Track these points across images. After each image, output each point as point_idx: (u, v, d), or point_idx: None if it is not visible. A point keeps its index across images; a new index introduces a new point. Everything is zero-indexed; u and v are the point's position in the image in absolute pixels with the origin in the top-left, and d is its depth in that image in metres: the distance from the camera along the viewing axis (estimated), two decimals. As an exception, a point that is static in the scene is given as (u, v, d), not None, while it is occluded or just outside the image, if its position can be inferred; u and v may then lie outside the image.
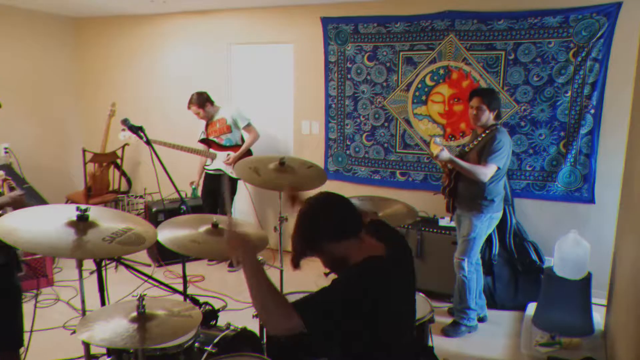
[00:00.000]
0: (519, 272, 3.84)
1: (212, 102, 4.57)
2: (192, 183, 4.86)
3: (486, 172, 3.17)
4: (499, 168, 3.21)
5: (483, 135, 3.30)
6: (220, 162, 4.55)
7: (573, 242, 3.15)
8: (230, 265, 4.74)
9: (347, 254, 1.62)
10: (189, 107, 4.53)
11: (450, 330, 3.49)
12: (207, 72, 5.17)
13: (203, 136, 4.63)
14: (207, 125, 4.61)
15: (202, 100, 4.50)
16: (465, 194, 3.35)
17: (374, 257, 1.60)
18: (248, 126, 4.58)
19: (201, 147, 4.57)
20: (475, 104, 3.27)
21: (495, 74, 4.02)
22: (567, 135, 3.89)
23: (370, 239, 1.68)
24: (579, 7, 3.69)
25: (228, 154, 4.54)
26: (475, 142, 3.34)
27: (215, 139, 4.57)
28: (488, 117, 3.27)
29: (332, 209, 1.66)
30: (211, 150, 4.56)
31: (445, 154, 3.13)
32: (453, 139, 4.28)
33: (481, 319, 3.62)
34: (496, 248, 3.80)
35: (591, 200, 3.88)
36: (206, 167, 4.65)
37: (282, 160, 2.91)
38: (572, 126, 3.86)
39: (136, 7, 5.07)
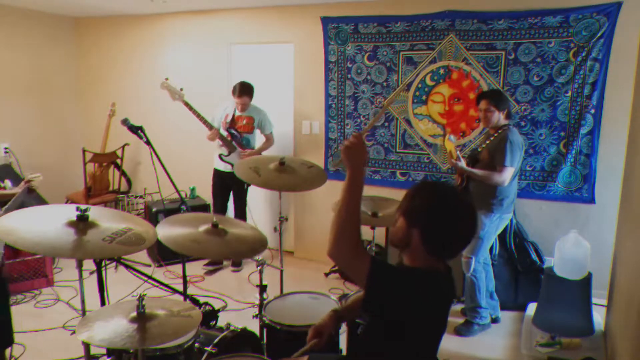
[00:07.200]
0: (519, 272, 3.84)
1: None
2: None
3: (504, 177, 3.25)
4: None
5: (495, 135, 3.37)
6: (235, 158, 4.42)
7: (573, 242, 3.15)
8: (234, 264, 4.73)
9: (419, 252, 1.54)
10: (240, 96, 4.33)
11: (464, 330, 3.51)
12: (207, 72, 5.16)
13: (225, 119, 4.45)
14: (232, 118, 4.48)
15: (253, 93, 4.42)
16: (477, 193, 3.41)
17: (438, 270, 1.56)
18: (270, 133, 4.58)
19: (225, 134, 4.46)
20: (484, 107, 3.36)
21: (496, 73, 4.02)
22: (567, 135, 3.88)
23: None
24: (579, 7, 3.68)
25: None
26: (487, 142, 3.41)
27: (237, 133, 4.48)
28: (498, 117, 3.35)
29: (465, 230, 1.54)
30: (233, 143, 4.45)
31: (462, 165, 3.34)
32: (453, 138, 4.28)
33: (494, 320, 3.63)
34: (496, 248, 3.80)
35: (591, 200, 3.88)
36: (223, 157, 4.47)
37: (282, 160, 2.91)
38: (572, 126, 3.86)
39: (136, 7, 5.07)
